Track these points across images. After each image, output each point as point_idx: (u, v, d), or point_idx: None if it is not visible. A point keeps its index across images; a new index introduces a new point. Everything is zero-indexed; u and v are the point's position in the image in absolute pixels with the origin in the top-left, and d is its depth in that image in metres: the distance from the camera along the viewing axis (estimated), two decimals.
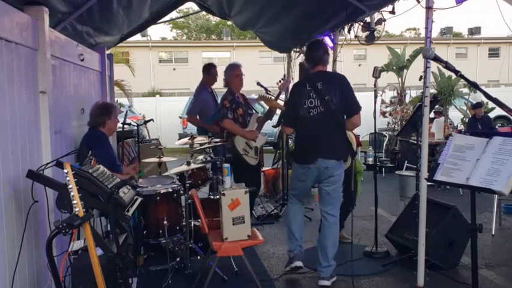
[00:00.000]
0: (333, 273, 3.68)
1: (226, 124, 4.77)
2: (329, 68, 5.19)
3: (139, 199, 2.93)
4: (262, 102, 5.70)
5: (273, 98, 4.89)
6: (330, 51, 6.24)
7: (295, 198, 3.91)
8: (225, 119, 4.75)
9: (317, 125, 3.58)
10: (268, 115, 5.07)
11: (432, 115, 8.66)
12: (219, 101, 5.36)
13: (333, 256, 3.66)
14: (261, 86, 5.47)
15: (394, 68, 10.79)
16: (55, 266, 2.38)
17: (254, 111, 5.14)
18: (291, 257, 3.80)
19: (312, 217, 5.55)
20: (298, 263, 3.74)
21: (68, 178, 2.21)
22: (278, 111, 5.13)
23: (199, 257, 3.99)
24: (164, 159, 4.44)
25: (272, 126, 6.52)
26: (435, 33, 30.51)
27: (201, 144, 4.43)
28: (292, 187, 3.96)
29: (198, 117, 5.76)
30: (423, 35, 3.62)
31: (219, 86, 5.95)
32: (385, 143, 9.91)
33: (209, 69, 5.84)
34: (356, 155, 4.63)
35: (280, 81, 5.00)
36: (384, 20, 4.96)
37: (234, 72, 4.95)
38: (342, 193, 3.77)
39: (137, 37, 16.38)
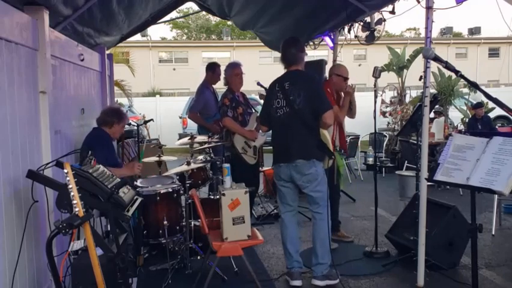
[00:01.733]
0: (326, 272, 3.58)
1: (227, 122, 4.77)
2: (329, 68, 5.19)
3: (139, 199, 2.93)
4: (262, 102, 5.69)
5: None
6: (330, 51, 6.28)
7: (283, 206, 3.79)
8: (225, 118, 4.76)
9: (284, 125, 3.60)
10: None
11: (432, 115, 8.66)
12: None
13: (324, 254, 3.58)
14: (261, 86, 5.47)
15: (394, 68, 10.79)
16: (55, 266, 2.38)
17: (254, 111, 5.14)
18: (290, 274, 3.68)
19: None
20: (297, 283, 3.62)
21: (68, 178, 2.21)
22: None
23: (199, 257, 4.00)
24: (164, 159, 4.44)
25: None
26: (435, 33, 30.54)
27: (201, 144, 4.44)
28: (278, 192, 3.85)
29: (198, 114, 5.77)
30: (423, 35, 3.62)
31: (219, 86, 5.96)
32: (385, 143, 9.90)
33: (214, 68, 5.85)
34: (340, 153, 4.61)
35: None
36: (384, 20, 4.96)
37: (234, 71, 4.95)
38: (327, 191, 3.65)
39: (137, 37, 16.42)
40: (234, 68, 4.96)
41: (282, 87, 3.62)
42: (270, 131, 3.91)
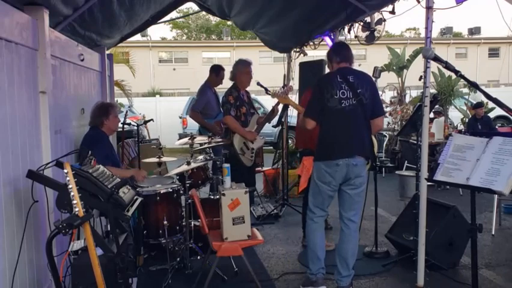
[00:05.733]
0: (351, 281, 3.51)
1: (228, 120, 4.77)
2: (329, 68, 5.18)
3: (139, 199, 2.93)
4: (262, 102, 5.69)
5: (287, 94, 4.78)
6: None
7: (317, 211, 3.53)
8: (227, 115, 4.75)
9: (348, 117, 3.35)
10: (269, 117, 5.09)
11: (432, 115, 8.65)
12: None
13: (353, 264, 3.45)
14: (261, 86, 5.47)
15: (394, 68, 10.78)
16: (55, 266, 2.38)
17: (255, 112, 5.14)
18: (313, 280, 3.51)
19: None
20: None
21: (68, 178, 2.21)
22: (278, 112, 5.11)
23: (199, 257, 4.00)
24: (164, 159, 4.44)
25: (272, 126, 6.52)
26: (435, 33, 30.52)
27: (201, 144, 4.44)
28: (314, 194, 3.53)
29: (200, 115, 5.78)
30: (423, 35, 3.62)
31: (223, 86, 5.96)
32: (385, 143, 9.91)
33: (218, 71, 5.87)
34: None
35: (283, 88, 5.03)
36: (384, 20, 4.96)
37: (246, 68, 4.94)
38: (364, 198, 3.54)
39: (137, 37, 16.36)
40: (246, 66, 4.96)
41: (345, 79, 3.38)
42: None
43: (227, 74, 5.89)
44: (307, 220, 3.61)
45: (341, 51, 3.58)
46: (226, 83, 5.18)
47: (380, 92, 9.71)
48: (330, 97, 3.36)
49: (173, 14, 19.11)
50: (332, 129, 3.41)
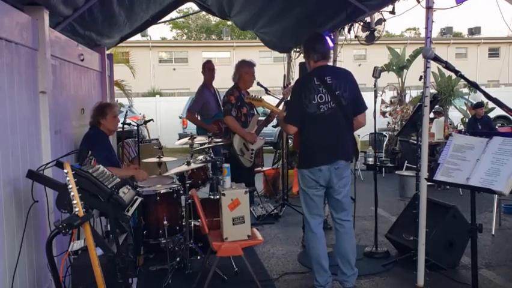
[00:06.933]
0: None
1: (228, 121, 4.77)
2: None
3: (139, 199, 2.93)
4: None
5: (261, 97, 4.77)
6: (330, 51, 6.28)
7: (313, 217, 3.44)
8: (227, 116, 4.75)
9: (328, 122, 3.28)
10: (268, 119, 5.10)
11: (432, 115, 8.65)
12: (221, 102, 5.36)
13: (354, 261, 3.43)
14: (261, 86, 5.48)
15: (394, 68, 10.78)
16: (55, 266, 2.38)
17: (256, 113, 5.15)
18: None
19: None
20: None
21: (68, 178, 2.21)
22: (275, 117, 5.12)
23: (199, 257, 4.00)
24: (164, 159, 4.44)
25: (272, 126, 6.54)
26: (435, 33, 30.52)
27: (201, 144, 4.44)
28: (306, 202, 3.45)
29: (198, 116, 5.77)
30: (423, 35, 3.62)
31: (222, 86, 5.96)
32: (385, 143, 9.91)
33: (204, 65, 5.91)
34: None
35: (285, 87, 5.03)
36: (384, 20, 4.96)
37: (250, 69, 4.95)
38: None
39: (137, 37, 16.36)
40: (251, 67, 4.98)
41: (322, 81, 3.28)
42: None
43: (226, 72, 5.91)
44: (307, 233, 3.52)
45: (317, 48, 3.41)
46: (227, 83, 5.18)
47: (380, 92, 9.76)
48: (308, 102, 3.29)
49: (173, 14, 19.10)
50: (312, 135, 3.35)
